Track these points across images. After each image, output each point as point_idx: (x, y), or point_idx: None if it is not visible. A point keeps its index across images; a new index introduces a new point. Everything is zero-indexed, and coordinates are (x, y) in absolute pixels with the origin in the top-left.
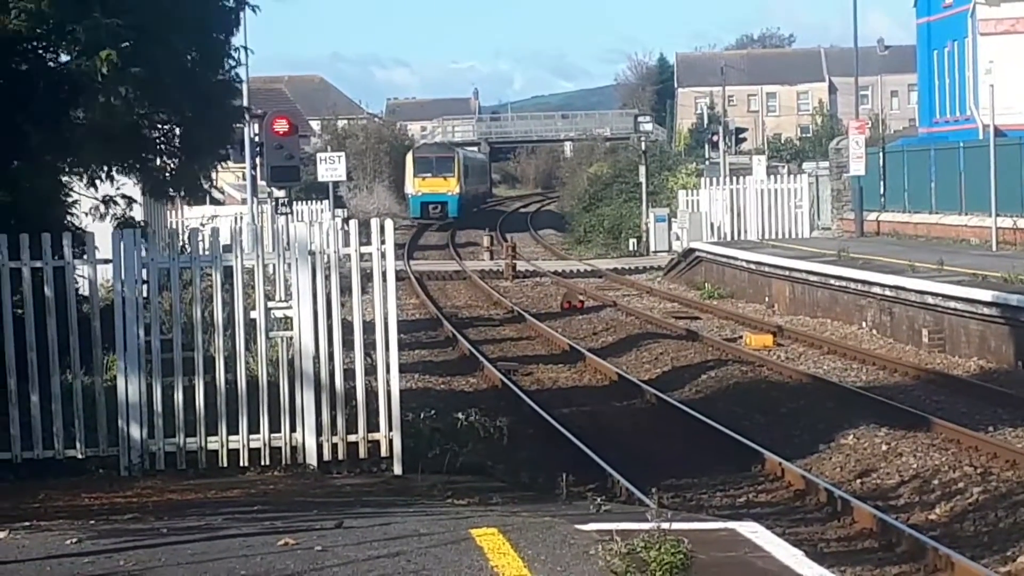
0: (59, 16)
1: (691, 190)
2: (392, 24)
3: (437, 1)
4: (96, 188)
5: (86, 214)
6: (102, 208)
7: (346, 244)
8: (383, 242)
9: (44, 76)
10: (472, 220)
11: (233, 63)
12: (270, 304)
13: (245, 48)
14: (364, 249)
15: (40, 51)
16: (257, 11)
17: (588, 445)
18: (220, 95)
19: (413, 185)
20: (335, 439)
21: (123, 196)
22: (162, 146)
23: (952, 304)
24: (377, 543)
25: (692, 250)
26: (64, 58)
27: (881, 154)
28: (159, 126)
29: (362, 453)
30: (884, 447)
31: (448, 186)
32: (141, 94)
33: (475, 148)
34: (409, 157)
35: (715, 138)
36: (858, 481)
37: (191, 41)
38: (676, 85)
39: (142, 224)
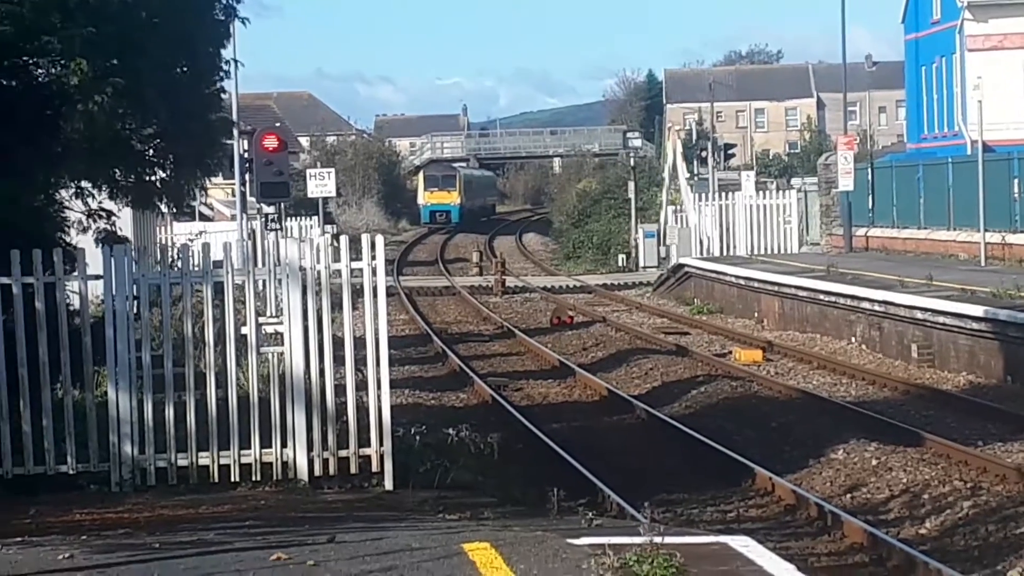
0: (40, 24)
1: (680, 206)
2: (375, 41)
3: (419, 18)
4: (86, 203)
5: (70, 226)
6: (85, 221)
7: (336, 260)
8: (374, 258)
9: (28, 90)
10: (467, 230)
11: (223, 75)
12: (261, 320)
13: (235, 61)
14: (355, 265)
15: (25, 64)
16: (247, 23)
17: (579, 460)
18: (202, 108)
19: (423, 197)
20: (326, 454)
21: (104, 210)
22: (147, 158)
23: (941, 319)
24: (369, 558)
25: (681, 265)
26: (47, 71)
27: (869, 170)
28: (143, 138)
29: (353, 468)
30: (874, 462)
31: (451, 198)
32: (123, 105)
33: (465, 164)
34: (420, 175)
35: (704, 154)
36: (848, 495)
37: (180, 54)
38: (665, 101)
39: (125, 238)
